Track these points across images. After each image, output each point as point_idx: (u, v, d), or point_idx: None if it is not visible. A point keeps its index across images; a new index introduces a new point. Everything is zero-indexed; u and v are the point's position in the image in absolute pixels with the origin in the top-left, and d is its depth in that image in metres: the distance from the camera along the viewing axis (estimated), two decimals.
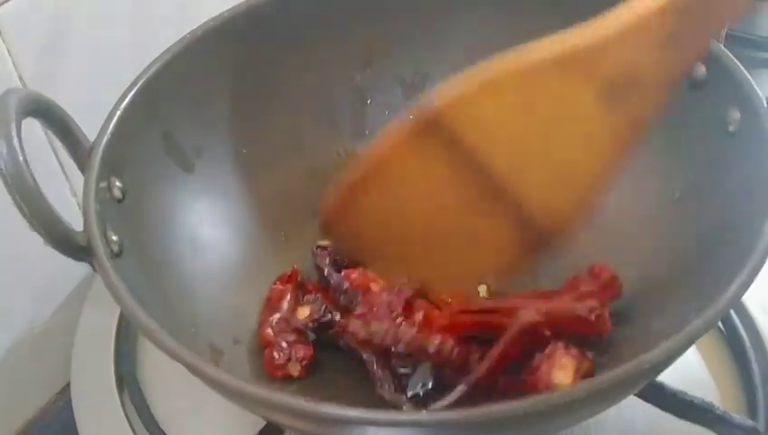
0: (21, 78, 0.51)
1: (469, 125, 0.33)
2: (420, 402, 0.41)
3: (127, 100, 0.48)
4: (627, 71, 0.32)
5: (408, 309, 0.40)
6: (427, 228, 0.36)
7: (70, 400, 0.54)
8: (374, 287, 0.43)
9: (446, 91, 0.33)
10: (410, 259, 0.37)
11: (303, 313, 0.50)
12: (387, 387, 0.40)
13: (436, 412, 0.36)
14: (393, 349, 0.39)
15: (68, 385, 0.55)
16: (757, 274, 0.38)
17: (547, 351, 0.38)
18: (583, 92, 0.32)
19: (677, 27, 0.32)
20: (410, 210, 0.35)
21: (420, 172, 0.34)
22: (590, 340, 0.44)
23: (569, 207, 0.35)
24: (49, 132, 0.46)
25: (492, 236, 0.35)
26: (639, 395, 0.46)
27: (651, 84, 0.33)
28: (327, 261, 0.50)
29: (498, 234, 0.35)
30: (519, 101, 0.32)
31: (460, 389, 0.36)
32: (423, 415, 0.38)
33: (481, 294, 0.43)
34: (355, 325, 0.41)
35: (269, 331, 0.50)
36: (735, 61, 0.47)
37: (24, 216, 0.40)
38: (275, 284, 0.53)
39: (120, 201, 0.47)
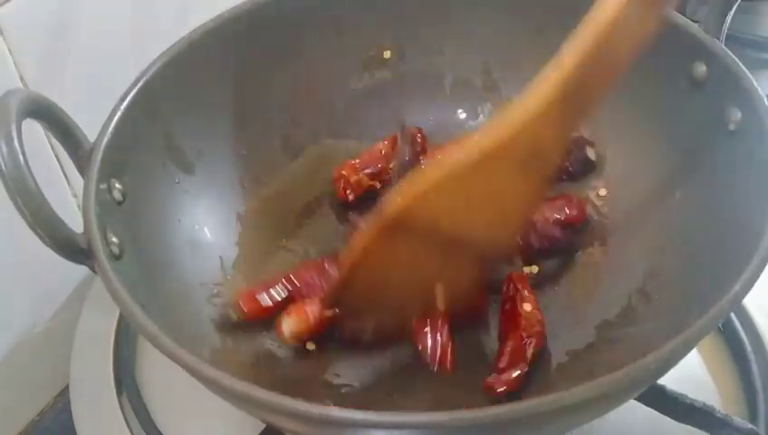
0: (22, 78, 0.51)
1: (422, 217, 0.42)
2: None
3: (127, 100, 0.48)
4: (534, 147, 0.42)
5: None
6: (409, 283, 0.46)
7: (69, 402, 0.53)
8: None
9: (397, 203, 0.42)
10: (401, 307, 0.48)
11: None
12: None
13: (438, 414, 0.36)
14: None
15: (67, 387, 0.55)
16: (759, 275, 0.38)
17: None
18: (506, 169, 0.42)
19: (566, 108, 0.41)
20: (393, 278, 0.45)
21: (394, 253, 0.44)
22: None
23: (507, 237, 0.48)
24: (49, 133, 0.46)
25: (455, 271, 0.46)
26: (640, 398, 0.46)
27: (551, 149, 0.43)
28: None
29: (460, 269, 0.47)
30: (459, 188, 0.42)
31: None
32: (424, 416, 0.38)
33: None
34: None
35: None
36: (736, 60, 0.47)
37: (25, 218, 0.40)
38: None
39: (120, 203, 0.46)
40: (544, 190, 0.46)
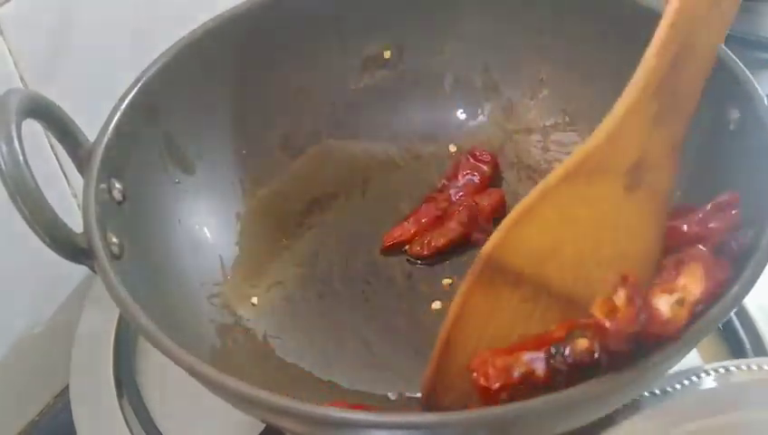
0: (22, 78, 0.51)
1: (523, 257, 0.37)
2: None
3: (127, 100, 0.48)
4: (637, 156, 0.36)
5: None
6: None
7: (69, 402, 0.53)
8: None
9: (492, 239, 0.37)
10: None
11: None
12: None
13: (438, 414, 0.36)
14: None
15: (67, 387, 0.54)
16: (759, 275, 0.38)
17: None
18: (608, 188, 0.36)
19: (661, 105, 0.37)
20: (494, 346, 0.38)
21: (494, 315, 0.38)
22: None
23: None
24: (49, 133, 0.46)
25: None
26: None
27: (659, 157, 0.37)
28: None
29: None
30: (557, 217, 0.36)
31: None
32: (424, 416, 0.38)
33: None
34: None
35: None
36: (736, 60, 0.47)
37: (25, 217, 0.40)
38: None
39: (120, 203, 0.46)
40: (661, 218, 0.39)
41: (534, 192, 0.37)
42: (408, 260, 0.55)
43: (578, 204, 0.37)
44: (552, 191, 0.37)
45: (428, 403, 0.41)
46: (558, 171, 0.37)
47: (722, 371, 0.44)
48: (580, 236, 0.37)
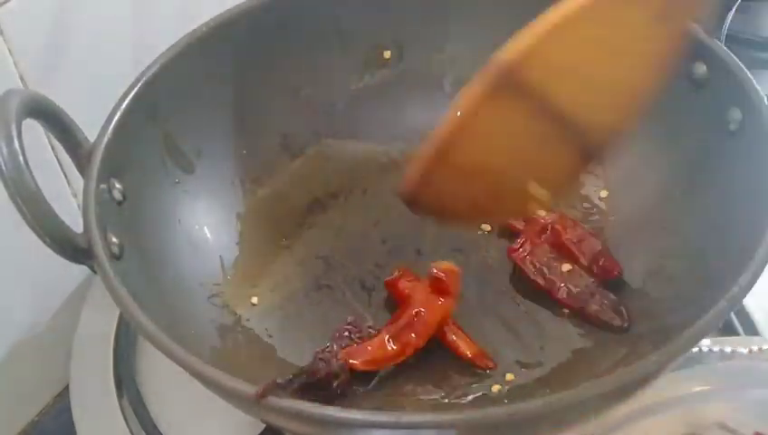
0: (22, 78, 0.51)
1: (541, 73, 0.34)
2: None
3: (127, 100, 0.48)
4: None
5: None
6: (501, 168, 0.38)
7: (69, 402, 0.53)
8: None
9: (514, 46, 0.35)
10: (484, 201, 0.40)
11: None
12: None
13: (438, 414, 0.36)
14: None
15: (67, 387, 0.54)
16: (759, 275, 0.38)
17: None
18: (641, 12, 0.35)
19: None
20: (488, 160, 0.38)
21: (496, 125, 0.36)
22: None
23: (617, 120, 0.39)
24: (49, 133, 0.46)
25: (550, 157, 0.39)
26: None
27: None
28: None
29: (556, 154, 0.39)
30: (587, 36, 0.34)
31: None
32: (425, 416, 0.38)
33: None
34: None
35: None
36: (737, 60, 0.47)
37: (25, 218, 0.40)
38: None
39: (120, 203, 0.46)
40: (672, 53, 0.38)
41: (570, 4, 0.35)
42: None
43: (609, 24, 0.35)
44: (589, 6, 0.35)
45: (408, 196, 0.40)
46: None
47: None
48: (599, 58, 0.36)
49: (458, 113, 0.36)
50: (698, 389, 0.46)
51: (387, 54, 0.61)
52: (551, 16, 0.35)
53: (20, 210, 0.40)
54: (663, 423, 0.45)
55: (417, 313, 0.48)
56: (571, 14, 0.35)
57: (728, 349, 0.48)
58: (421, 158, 0.39)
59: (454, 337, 0.49)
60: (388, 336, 0.48)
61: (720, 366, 0.47)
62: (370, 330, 0.49)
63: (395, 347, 0.47)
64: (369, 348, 0.47)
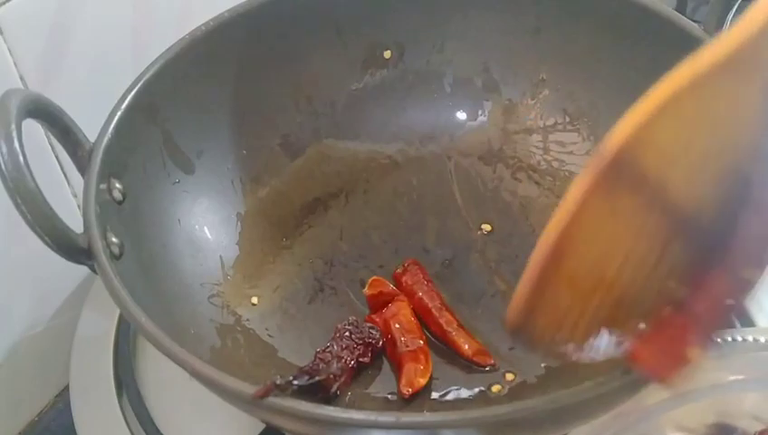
0: (22, 78, 0.51)
1: (652, 155, 0.31)
2: None
3: (127, 100, 0.48)
4: None
5: None
6: (615, 275, 0.33)
7: (69, 402, 0.53)
8: None
9: (622, 130, 0.30)
10: (598, 309, 0.35)
11: None
12: None
13: (438, 414, 0.36)
14: None
15: (67, 387, 0.54)
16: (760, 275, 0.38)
17: None
18: (749, 87, 0.31)
19: None
20: (603, 266, 0.33)
21: (607, 224, 0.32)
22: None
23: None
24: (49, 133, 0.46)
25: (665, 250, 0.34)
26: None
27: None
28: None
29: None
30: (696, 112, 0.31)
31: None
32: (424, 416, 0.38)
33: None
34: None
35: None
36: None
37: (25, 218, 0.40)
38: None
39: (120, 203, 0.46)
40: None
41: (676, 81, 0.31)
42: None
43: (721, 97, 0.31)
44: (703, 77, 0.31)
45: (519, 329, 0.34)
46: (704, 62, 0.31)
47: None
48: (710, 135, 0.32)
49: (567, 213, 0.31)
50: (732, 378, 0.46)
51: (387, 54, 0.61)
52: (655, 96, 0.31)
53: (20, 210, 0.40)
54: (694, 411, 0.44)
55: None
56: (679, 86, 0.31)
57: (763, 339, 0.47)
58: (529, 272, 0.32)
59: (454, 335, 0.49)
60: None
61: (755, 356, 0.47)
62: (371, 330, 0.49)
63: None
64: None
